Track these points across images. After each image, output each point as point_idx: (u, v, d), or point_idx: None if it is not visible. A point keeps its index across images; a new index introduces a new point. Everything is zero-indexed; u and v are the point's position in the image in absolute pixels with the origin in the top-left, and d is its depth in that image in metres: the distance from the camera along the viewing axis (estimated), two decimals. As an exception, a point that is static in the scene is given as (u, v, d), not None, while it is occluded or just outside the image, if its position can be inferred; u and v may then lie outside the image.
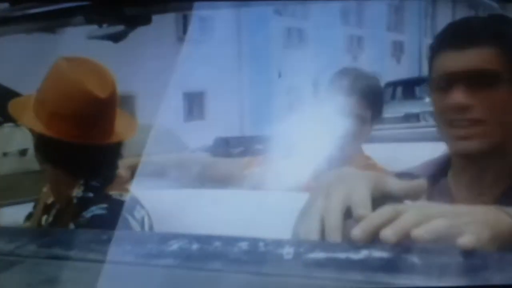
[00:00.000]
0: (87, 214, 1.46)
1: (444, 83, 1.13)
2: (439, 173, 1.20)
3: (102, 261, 0.73)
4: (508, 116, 1.11)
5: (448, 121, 1.12)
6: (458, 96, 1.10)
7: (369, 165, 1.91)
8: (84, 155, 1.48)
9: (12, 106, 1.55)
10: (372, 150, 2.01)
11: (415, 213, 0.70)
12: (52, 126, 1.44)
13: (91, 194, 1.50)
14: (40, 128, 1.46)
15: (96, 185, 1.52)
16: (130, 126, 1.56)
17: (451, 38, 1.14)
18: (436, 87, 1.14)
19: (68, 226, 1.46)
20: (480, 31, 1.12)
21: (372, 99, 1.93)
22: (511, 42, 1.12)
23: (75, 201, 1.50)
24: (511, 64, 1.10)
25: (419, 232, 0.66)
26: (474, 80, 1.10)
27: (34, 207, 1.64)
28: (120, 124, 1.52)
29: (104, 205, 1.47)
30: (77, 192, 1.51)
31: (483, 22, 1.17)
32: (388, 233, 0.66)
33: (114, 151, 1.54)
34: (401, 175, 1.13)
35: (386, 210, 0.71)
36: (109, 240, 0.79)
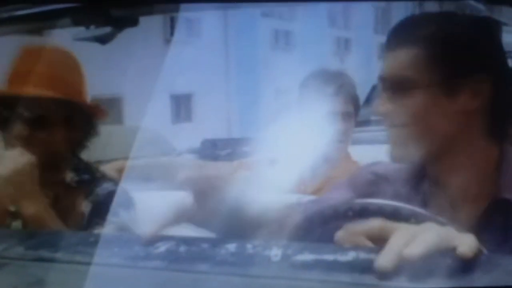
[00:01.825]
0: (101, 191, 1.50)
1: (378, 86, 1.09)
2: (416, 177, 1.15)
3: (89, 263, 0.73)
4: (428, 120, 1.05)
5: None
6: (378, 103, 1.07)
7: (354, 169, 1.92)
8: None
9: None
10: (360, 152, 2.01)
11: (402, 233, 0.70)
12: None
13: (87, 176, 1.53)
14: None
15: (86, 167, 1.55)
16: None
17: (386, 38, 1.10)
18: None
19: (76, 211, 1.47)
20: (405, 31, 1.08)
21: (350, 93, 1.96)
22: (440, 42, 1.05)
23: (74, 185, 1.52)
24: (436, 67, 1.04)
25: (410, 251, 0.66)
26: (393, 85, 1.06)
27: None
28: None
29: (111, 183, 1.52)
30: (71, 176, 1.52)
31: (414, 22, 1.11)
32: (383, 261, 0.65)
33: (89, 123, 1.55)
34: (378, 178, 1.13)
35: (374, 222, 0.72)
36: (96, 242, 0.78)
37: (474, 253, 0.66)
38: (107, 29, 1.44)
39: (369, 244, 0.73)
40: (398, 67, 1.05)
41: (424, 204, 1.08)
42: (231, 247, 0.71)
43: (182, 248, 0.74)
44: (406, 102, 1.04)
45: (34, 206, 1.38)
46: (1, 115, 1.47)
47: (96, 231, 1.44)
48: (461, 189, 1.07)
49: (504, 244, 0.97)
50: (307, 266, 0.66)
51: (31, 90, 1.45)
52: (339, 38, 16.90)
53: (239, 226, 0.84)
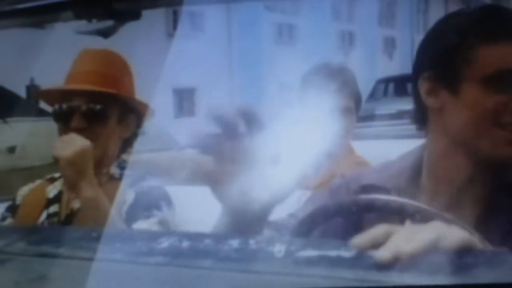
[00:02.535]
0: (145, 184, 1.57)
1: (500, 80, 1.02)
2: (407, 185, 1.11)
3: (91, 259, 0.72)
4: None
5: (498, 122, 1.03)
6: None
7: (358, 163, 1.91)
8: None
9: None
10: (364, 147, 2.01)
11: (404, 232, 0.70)
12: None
13: (124, 171, 1.60)
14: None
15: (123, 162, 1.62)
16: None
17: (507, 28, 1.04)
18: (486, 82, 1.03)
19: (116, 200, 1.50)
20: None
21: (352, 88, 1.95)
22: None
23: (117, 176, 1.59)
24: None
25: (409, 246, 0.65)
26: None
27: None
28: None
29: (152, 179, 1.61)
30: (114, 169, 1.61)
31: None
32: (381, 254, 0.65)
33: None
34: (366, 188, 1.10)
35: (380, 228, 0.71)
36: (98, 238, 0.78)
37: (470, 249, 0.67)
38: (109, 23, 1.44)
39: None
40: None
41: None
42: (234, 243, 0.71)
43: (185, 244, 0.73)
44: None
45: (91, 189, 1.43)
46: (61, 109, 1.57)
47: (137, 222, 1.49)
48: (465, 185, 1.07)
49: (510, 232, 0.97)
50: (310, 262, 0.66)
51: (87, 86, 1.57)
52: (343, 31, 16.86)
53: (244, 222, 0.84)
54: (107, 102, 1.58)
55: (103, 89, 1.56)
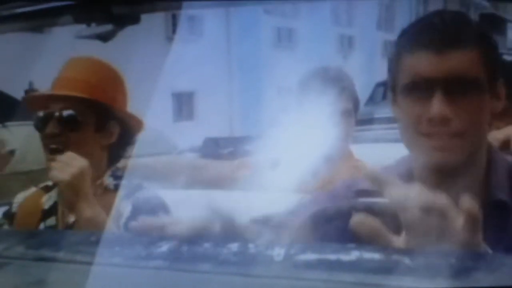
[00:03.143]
0: (141, 194, 1.56)
1: (420, 89, 1.02)
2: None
3: (90, 263, 0.72)
4: (484, 125, 1.05)
5: (425, 132, 1.03)
6: (438, 106, 1.00)
7: (357, 167, 1.91)
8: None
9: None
10: (363, 151, 2.01)
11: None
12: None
13: (119, 181, 1.58)
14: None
15: (116, 171, 1.61)
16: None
17: (428, 37, 1.04)
18: (408, 93, 1.04)
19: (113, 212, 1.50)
20: (461, 31, 1.04)
21: (350, 92, 1.95)
22: (491, 43, 1.05)
23: (111, 187, 1.58)
24: (490, 68, 1.03)
25: None
26: (454, 87, 1.01)
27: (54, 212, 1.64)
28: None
29: (148, 188, 1.58)
30: (108, 179, 1.59)
31: (463, 21, 1.07)
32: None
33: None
34: (364, 193, 1.10)
35: None
36: (97, 242, 0.78)
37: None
38: (108, 27, 1.44)
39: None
40: (462, 68, 1.02)
41: None
42: (234, 246, 0.70)
43: (184, 248, 0.73)
44: (467, 105, 1.01)
45: (90, 209, 1.43)
46: (38, 116, 1.57)
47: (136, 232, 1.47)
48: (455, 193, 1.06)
49: (501, 245, 0.96)
50: (310, 265, 0.66)
51: (62, 91, 1.56)
52: (342, 35, 16.88)
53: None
54: (82, 108, 1.56)
55: (78, 95, 1.55)
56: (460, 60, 1.01)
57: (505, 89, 1.06)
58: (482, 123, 1.04)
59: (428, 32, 1.04)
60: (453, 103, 1.01)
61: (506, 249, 0.93)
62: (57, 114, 1.54)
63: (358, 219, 0.75)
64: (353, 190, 1.13)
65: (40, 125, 1.56)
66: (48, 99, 1.58)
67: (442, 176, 1.04)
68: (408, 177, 1.11)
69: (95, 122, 1.58)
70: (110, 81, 1.63)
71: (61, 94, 1.55)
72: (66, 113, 1.54)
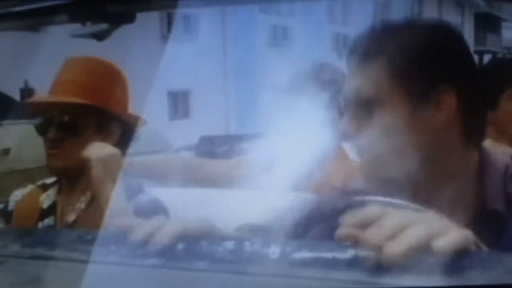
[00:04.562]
0: (142, 197, 1.56)
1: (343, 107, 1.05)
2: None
3: (86, 261, 0.72)
4: (400, 140, 0.98)
5: None
6: (343, 125, 1.02)
7: (353, 167, 1.90)
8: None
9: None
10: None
11: (396, 218, 0.70)
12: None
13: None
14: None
15: None
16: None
17: (347, 55, 1.05)
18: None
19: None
20: (367, 47, 1.01)
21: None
22: (401, 55, 0.99)
23: None
24: (399, 83, 0.99)
25: (392, 248, 0.66)
26: (358, 106, 1.01)
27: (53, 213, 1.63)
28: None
29: (147, 190, 1.58)
30: None
31: (375, 36, 1.03)
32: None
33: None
34: (361, 192, 1.10)
35: (372, 209, 0.72)
36: (93, 240, 0.78)
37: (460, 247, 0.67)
38: (103, 26, 1.44)
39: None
40: (361, 86, 1.00)
41: None
42: (229, 244, 0.71)
43: (180, 246, 0.73)
44: (372, 122, 0.99)
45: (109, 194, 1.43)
46: (40, 121, 1.57)
47: None
48: (445, 203, 1.04)
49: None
50: (305, 263, 0.66)
51: (61, 97, 1.55)
52: (337, 34, 16.87)
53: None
54: (81, 112, 1.55)
55: (75, 101, 1.54)
56: (361, 78, 1.01)
57: (455, 98, 0.98)
58: (391, 139, 0.98)
59: (348, 50, 1.05)
60: (358, 122, 1.01)
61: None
62: (57, 119, 1.54)
63: (343, 232, 0.73)
64: (347, 189, 1.14)
65: (41, 130, 1.57)
66: (45, 105, 1.58)
67: (430, 188, 1.01)
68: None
69: (96, 124, 1.58)
70: (111, 82, 1.63)
71: (59, 101, 1.55)
72: (65, 118, 1.54)
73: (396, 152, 0.98)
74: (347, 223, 0.70)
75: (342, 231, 0.70)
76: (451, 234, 0.68)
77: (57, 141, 1.53)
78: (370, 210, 0.72)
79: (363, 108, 1.00)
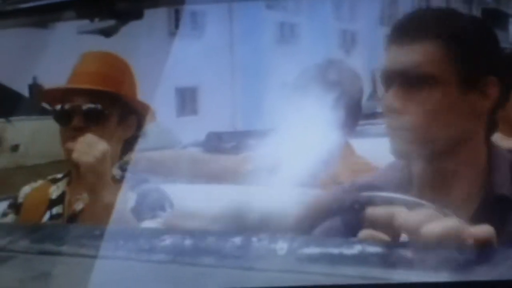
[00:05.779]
0: (146, 186, 1.57)
1: (383, 81, 1.07)
2: (400, 183, 1.12)
3: (94, 256, 0.73)
4: (442, 119, 1.04)
5: (385, 123, 1.08)
6: (388, 99, 1.05)
7: (360, 164, 1.90)
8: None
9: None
10: (366, 145, 2.00)
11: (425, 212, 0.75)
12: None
13: (125, 172, 1.59)
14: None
15: (124, 164, 1.62)
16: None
17: (396, 31, 1.07)
18: (383, 86, 1.09)
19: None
20: (424, 26, 1.06)
21: (353, 86, 1.94)
22: (458, 40, 1.05)
23: (118, 177, 1.58)
24: (452, 65, 1.04)
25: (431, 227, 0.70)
26: (409, 81, 1.04)
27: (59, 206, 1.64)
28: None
29: (152, 181, 1.61)
30: (116, 171, 1.59)
31: (431, 16, 1.10)
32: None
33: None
34: (368, 187, 1.11)
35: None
36: (101, 235, 0.78)
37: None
38: (111, 22, 1.44)
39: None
40: (416, 62, 1.04)
41: None
42: (237, 240, 0.71)
43: (188, 241, 0.73)
44: (421, 98, 1.04)
45: (111, 196, 1.41)
46: (62, 109, 1.57)
47: (142, 223, 1.48)
48: (455, 188, 1.07)
49: (504, 240, 0.97)
50: (313, 259, 0.66)
51: (86, 85, 1.57)
52: (345, 30, 16.84)
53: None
54: (107, 102, 1.57)
55: (104, 89, 1.56)
56: (417, 54, 1.04)
57: (498, 88, 1.05)
58: (435, 118, 1.04)
59: (395, 27, 1.08)
60: (405, 96, 1.04)
61: (509, 243, 0.93)
62: (84, 107, 1.55)
63: (366, 234, 0.76)
64: (355, 185, 1.14)
65: (64, 119, 1.57)
66: (69, 93, 1.58)
67: (442, 174, 1.06)
68: (409, 176, 1.12)
69: (119, 115, 1.60)
70: (128, 75, 1.66)
71: (87, 88, 1.56)
72: (92, 106, 1.55)
73: (436, 128, 1.04)
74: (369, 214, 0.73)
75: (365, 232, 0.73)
76: (477, 227, 0.71)
77: (82, 129, 1.52)
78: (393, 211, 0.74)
79: (413, 83, 1.04)
